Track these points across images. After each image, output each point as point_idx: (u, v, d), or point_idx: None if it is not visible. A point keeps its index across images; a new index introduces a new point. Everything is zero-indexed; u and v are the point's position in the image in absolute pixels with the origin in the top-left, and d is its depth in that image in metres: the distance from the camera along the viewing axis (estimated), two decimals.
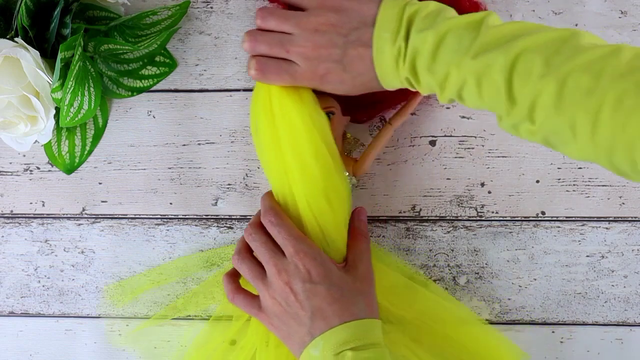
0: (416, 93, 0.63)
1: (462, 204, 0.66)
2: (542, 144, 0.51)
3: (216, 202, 0.68)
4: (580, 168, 0.66)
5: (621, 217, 0.66)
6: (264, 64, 0.58)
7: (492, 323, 0.67)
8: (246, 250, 0.61)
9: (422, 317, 0.65)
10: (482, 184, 0.66)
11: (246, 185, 0.68)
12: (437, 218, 0.67)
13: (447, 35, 0.51)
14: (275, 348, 0.63)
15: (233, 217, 0.68)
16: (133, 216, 0.68)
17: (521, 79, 0.49)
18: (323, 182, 0.59)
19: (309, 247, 0.58)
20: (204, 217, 0.68)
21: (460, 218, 0.67)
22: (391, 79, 0.56)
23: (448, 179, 0.67)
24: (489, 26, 0.51)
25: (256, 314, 0.60)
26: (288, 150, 0.58)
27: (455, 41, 0.51)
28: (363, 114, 0.65)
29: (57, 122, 0.64)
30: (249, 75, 0.59)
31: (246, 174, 0.68)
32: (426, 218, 0.67)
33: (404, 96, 0.64)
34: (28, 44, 0.60)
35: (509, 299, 0.67)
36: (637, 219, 0.66)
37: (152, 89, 0.68)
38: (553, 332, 0.67)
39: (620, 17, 0.65)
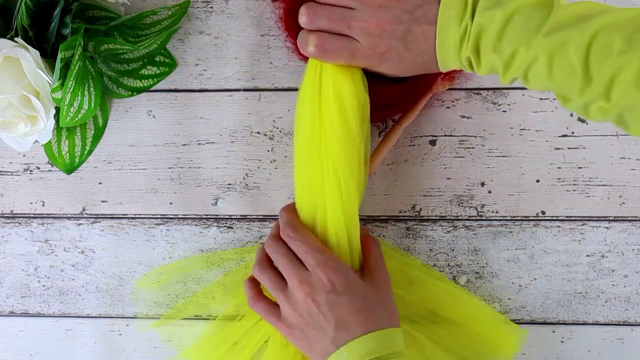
0: (425, 93, 0.63)
1: (462, 203, 0.66)
2: (613, 123, 0.50)
3: (216, 202, 0.68)
4: (580, 168, 0.66)
5: (621, 217, 0.66)
6: (325, 40, 0.56)
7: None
8: (267, 261, 0.61)
9: (421, 300, 0.64)
10: (482, 184, 0.66)
11: (246, 185, 0.68)
12: (438, 218, 0.67)
13: (515, 14, 0.50)
14: (281, 347, 0.63)
15: (233, 216, 0.68)
16: (133, 216, 0.69)
17: (599, 56, 0.48)
18: (357, 172, 0.58)
19: (330, 259, 0.57)
20: (204, 217, 0.68)
21: (460, 218, 0.67)
22: (450, 59, 0.54)
23: (448, 178, 0.67)
24: (561, 5, 0.50)
25: (275, 323, 0.60)
26: (333, 134, 0.57)
27: (524, 19, 0.50)
28: (373, 117, 0.65)
29: (57, 122, 0.64)
30: (306, 53, 0.57)
31: (246, 174, 0.68)
32: (426, 218, 0.67)
33: (414, 100, 0.64)
34: (28, 43, 0.60)
35: (509, 299, 0.67)
36: (637, 218, 0.66)
37: (152, 88, 0.68)
38: (554, 331, 0.67)
39: None
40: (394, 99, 0.62)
